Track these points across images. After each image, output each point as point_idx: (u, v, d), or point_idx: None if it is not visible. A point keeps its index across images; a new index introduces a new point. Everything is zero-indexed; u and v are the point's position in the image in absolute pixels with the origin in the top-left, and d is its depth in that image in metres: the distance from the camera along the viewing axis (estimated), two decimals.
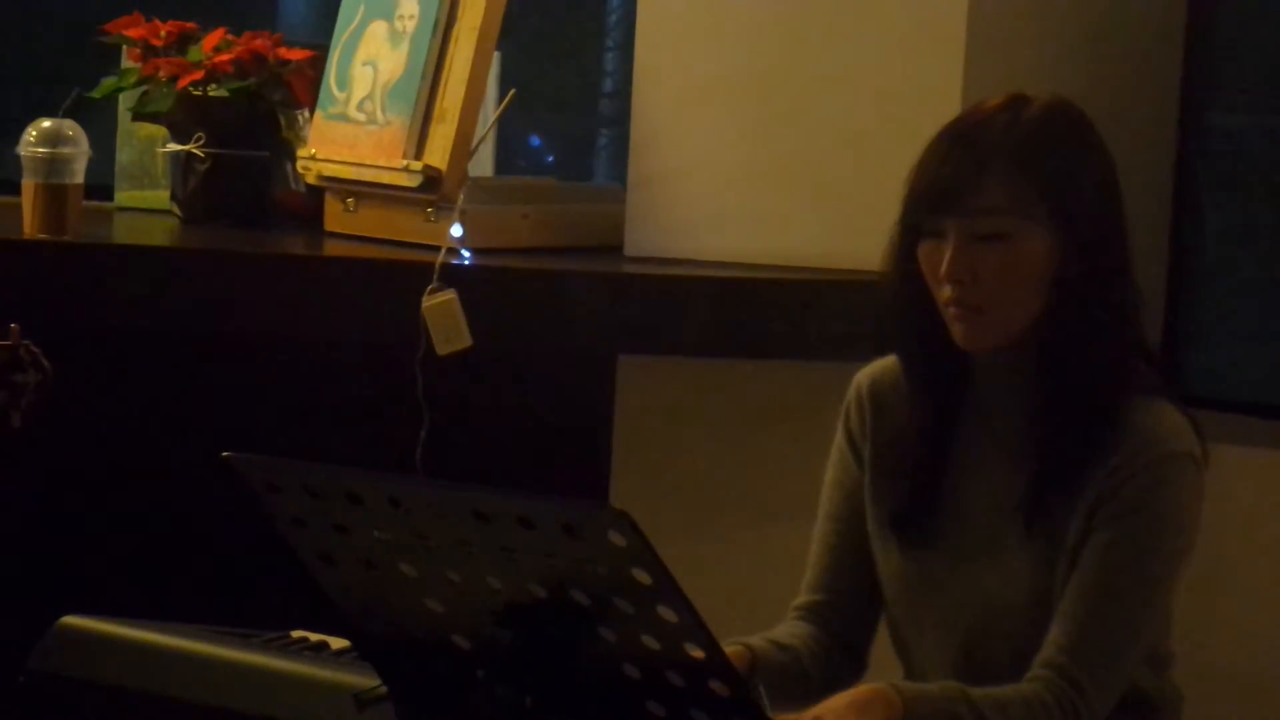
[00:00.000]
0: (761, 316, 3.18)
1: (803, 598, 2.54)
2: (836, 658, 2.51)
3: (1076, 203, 2.37)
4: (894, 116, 3.18)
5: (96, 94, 3.49)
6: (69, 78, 3.54)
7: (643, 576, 1.89)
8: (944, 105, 2.99)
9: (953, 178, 2.36)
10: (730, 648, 2.36)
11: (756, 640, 2.46)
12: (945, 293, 2.38)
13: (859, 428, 2.52)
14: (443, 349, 3.13)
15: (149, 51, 3.48)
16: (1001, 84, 2.51)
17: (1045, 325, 2.39)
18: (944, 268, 2.37)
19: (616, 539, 1.87)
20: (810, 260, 3.25)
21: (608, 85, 4.24)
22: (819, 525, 2.56)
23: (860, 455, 2.52)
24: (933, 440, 2.45)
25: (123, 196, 3.66)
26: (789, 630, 2.51)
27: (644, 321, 3.19)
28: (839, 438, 2.54)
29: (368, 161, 3.31)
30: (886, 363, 2.52)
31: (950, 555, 2.44)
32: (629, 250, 3.35)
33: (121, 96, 3.54)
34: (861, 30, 3.24)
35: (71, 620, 2.31)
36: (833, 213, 3.25)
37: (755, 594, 2.61)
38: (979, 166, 2.35)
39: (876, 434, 2.50)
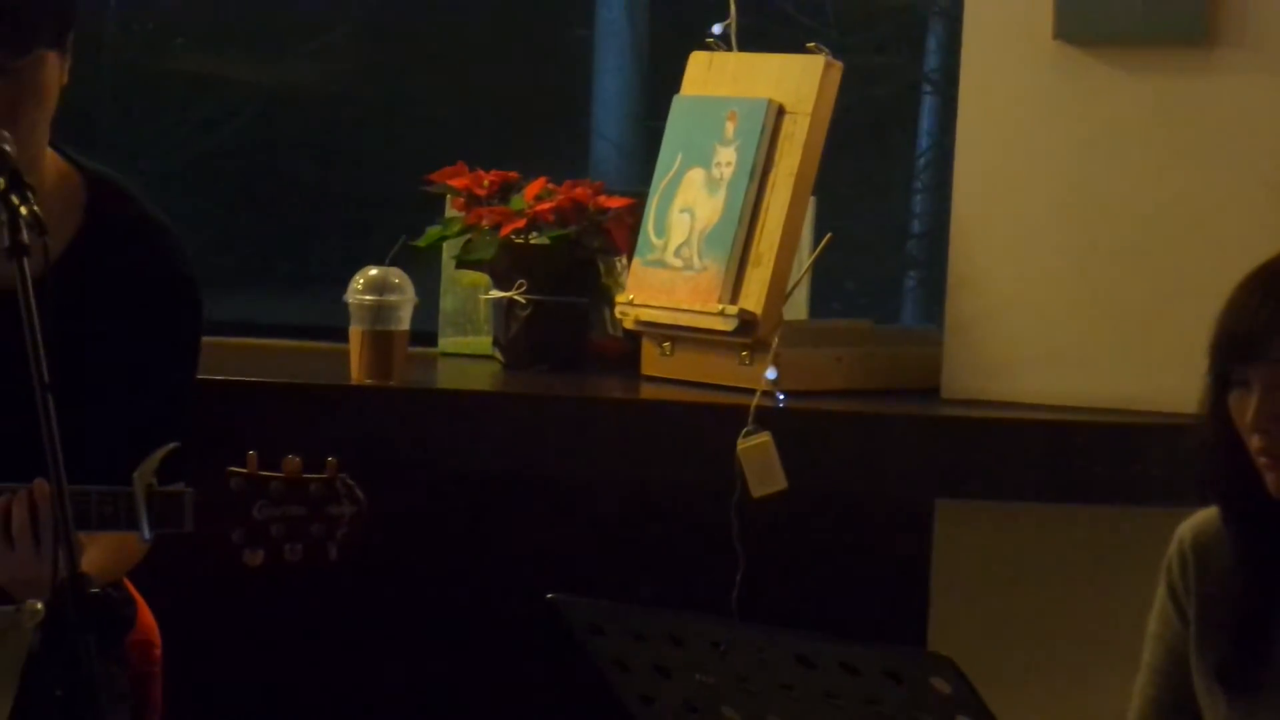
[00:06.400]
0: (1084, 460, 3.13)
1: None
2: None
3: None
4: (1219, 256, 3.13)
5: (421, 242, 3.56)
6: (393, 226, 3.62)
7: None
8: (1270, 245, 2.93)
9: (1256, 325, 2.33)
10: None
11: None
12: (1255, 442, 2.34)
13: (1181, 582, 2.48)
14: (758, 491, 3.14)
15: (472, 201, 3.55)
16: None
17: None
18: (1250, 416, 2.32)
19: (941, 685, 1.85)
20: (1134, 403, 3.20)
21: (916, 227, 4.25)
22: (1140, 675, 2.52)
23: (1183, 610, 2.48)
24: (1256, 591, 2.40)
25: (446, 343, 3.71)
26: None
27: (962, 465, 3.16)
28: (1161, 590, 2.51)
29: (684, 306, 3.34)
30: (1209, 514, 2.47)
31: (1278, 706, 2.38)
32: (946, 392, 3.33)
33: (445, 244, 3.60)
34: (1188, 168, 3.20)
35: None
36: (1157, 353, 3.20)
37: None
38: None
39: (1201, 586, 2.46)
